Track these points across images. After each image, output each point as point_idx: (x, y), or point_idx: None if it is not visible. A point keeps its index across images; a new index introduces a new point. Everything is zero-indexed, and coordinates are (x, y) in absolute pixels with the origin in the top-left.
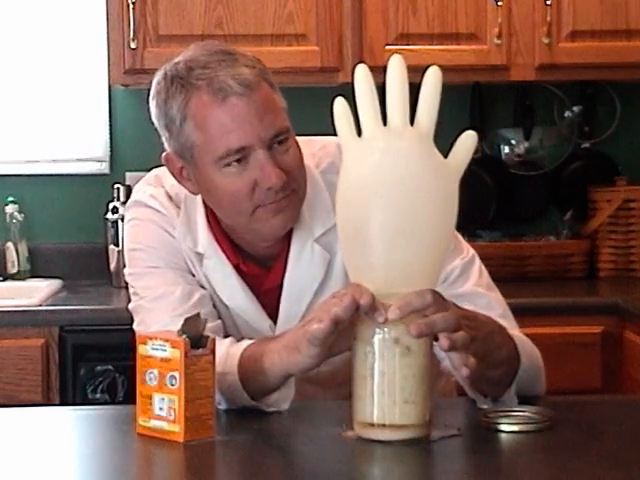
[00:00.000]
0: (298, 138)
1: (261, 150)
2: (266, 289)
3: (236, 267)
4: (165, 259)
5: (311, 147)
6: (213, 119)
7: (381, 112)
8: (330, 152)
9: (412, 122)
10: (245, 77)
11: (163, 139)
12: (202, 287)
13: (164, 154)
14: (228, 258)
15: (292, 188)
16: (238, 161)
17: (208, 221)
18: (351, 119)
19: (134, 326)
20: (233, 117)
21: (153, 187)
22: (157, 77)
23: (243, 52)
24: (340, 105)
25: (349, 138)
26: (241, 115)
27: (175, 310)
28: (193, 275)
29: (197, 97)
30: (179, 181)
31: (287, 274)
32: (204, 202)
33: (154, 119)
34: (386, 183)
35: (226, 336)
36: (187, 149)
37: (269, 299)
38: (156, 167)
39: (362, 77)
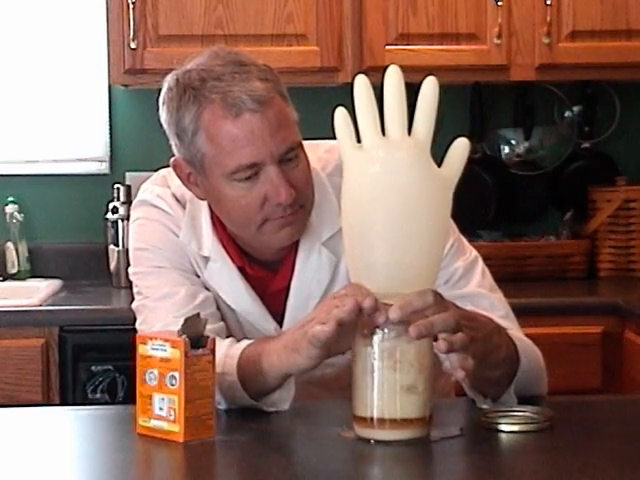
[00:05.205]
0: (303, 143)
1: (272, 166)
2: (272, 292)
3: (241, 270)
4: (170, 259)
5: (317, 151)
6: (226, 134)
7: (380, 113)
8: (335, 155)
9: (411, 122)
10: (259, 93)
11: (172, 145)
12: (207, 289)
13: (172, 159)
14: (233, 261)
15: (300, 204)
16: (249, 176)
17: (213, 223)
18: (351, 128)
19: (137, 325)
20: (246, 133)
21: (160, 187)
22: (168, 82)
23: (255, 61)
24: (341, 115)
25: (350, 148)
26: (254, 131)
27: (179, 310)
28: (198, 276)
29: (210, 110)
30: (186, 186)
31: (294, 278)
32: (209, 204)
33: (164, 124)
34: (386, 191)
35: (229, 337)
36: (197, 159)
37: (274, 302)
38: (156, 167)
39: (361, 88)
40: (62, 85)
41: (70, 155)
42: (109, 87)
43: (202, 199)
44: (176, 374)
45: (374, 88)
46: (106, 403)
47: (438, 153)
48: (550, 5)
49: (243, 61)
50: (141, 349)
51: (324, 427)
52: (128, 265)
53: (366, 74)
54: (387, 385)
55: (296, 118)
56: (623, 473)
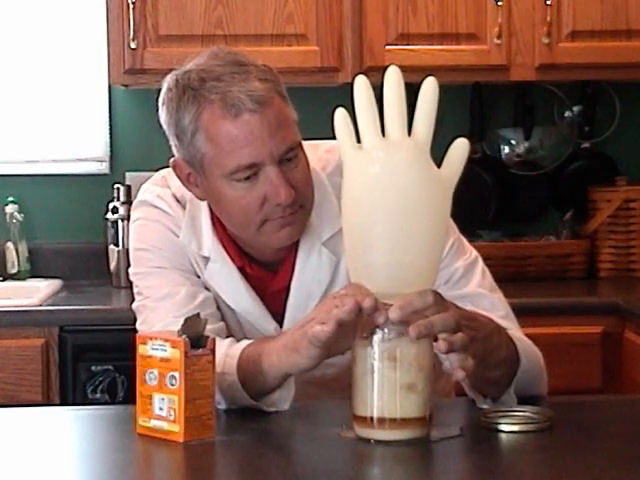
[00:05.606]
0: (303, 143)
1: (271, 166)
2: (272, 292)
3: (241, 270)
4: (170, 260)
5: (317, 151)
6: (225, 134)
7: (380, 113)
8: (336, 155)
9: (411, 122)
10: (258, 93)
11: (172, 145)
12: (207, 289)
13: (172, 159)
14: (233, 261)
15: (300, 204)
16: (248, 176)
17: (213, 224)
18: (351, 128)
19: (137, 325)
20: (245, 134)
21: (160, 187)
22: (168, 83)
23: (255, 62)
24: (341, 116)
25: (350, 149)
26: (253, 132)
27: (179, 311)
28: (198, 276)
29: (210, 110)
30: (186, 186)
31: (294, 278)
32: (209, 205)
33: (164, 125)
34: (386, 191)
35: (229, 337)
36: (197, 160)
37: (274, 302)
38: (156, 167)
39: (361, 88)
40: (62, 85)
41: (70, 155)
42: (109, 87)
43: (202, 199)
44: (176, 374)
45: (374, 88)
46: (106, 403)
47: (438, 153)
48: (550, 5)
49: (242, 61)
50: (141, 349)
51: (324, 427)
52: (128, 265)
53: (366, 74)
54: (387, 385)
55: (296, 118)
56: (623, 473)
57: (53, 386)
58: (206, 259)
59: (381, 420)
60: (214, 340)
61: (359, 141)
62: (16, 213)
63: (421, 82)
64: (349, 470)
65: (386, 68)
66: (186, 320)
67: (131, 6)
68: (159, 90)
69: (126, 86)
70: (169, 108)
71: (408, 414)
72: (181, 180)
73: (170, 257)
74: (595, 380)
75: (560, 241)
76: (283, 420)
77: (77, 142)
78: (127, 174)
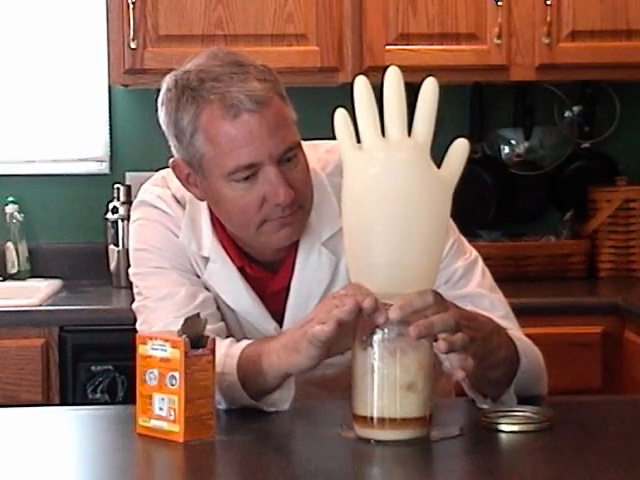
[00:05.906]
0: (303, 143)
1: (270, 166)
2: (271, 292)
3: (241, 270)
4: (170, 260)
5: (317, 151)
6: (224, 134)
7: (380, 113)
8: (336, 155)
9: (411, 122)
10: (257, 93)
11: (171, 145)
12: (207, 289)
13: (171, 160)
14: (233, 261)
15: (299, 204)
16: (247, 176)
17: (213, 224)
18: (351, 129)
19: (137, 325)
20: (244, 134)
21: (160, 188)
22: (167, 83)
23: (254, 62)
24: (341, 116)
25: (350, 149)
26: (252, 132)
27: (179, 311)
28: (198, 277)
29: (209, 111)
30: (186, 187)
31: (294, 278)
32: (209, 205)
33: (163, 125)
34: (386, 192)
35: (229, 337)
36: (196, 160)
37: (274, 302)
38: (156, 167)
39: (361, 89)
40: (62, 85)
41: (70, 155)
42: (109, 87)
43: (201, 200)
44: (176, 374)
45: (374, 88)
46: (106, 403)
47: (438, 153)
48: (550, 5)
49: (241, 61)
50: (141, 349)
51: (324, 427)
52: (128, 265)
53: (366, 74)
54: (387, 385)
55: (295, 118)
56: (623, 473)
57: (53, 386)
58: (206, 259)
59: (381, 420)
60: (214, 340)
61: (359, 141)
62: (16, 213)
63: (421, 82)
64: (349, 470)
65: (386, 68)
66: (186, 320)
67: (131, 6)
68: (159, 90)
69: (126, 86)
70: (168, 108)
71: (408, 414)
72: (180, 180)
73: (170, 257)
74: (595, 380)
75: (560, 241)
76: (283, 420)
77: (77, 142)
78: (127, 174)
